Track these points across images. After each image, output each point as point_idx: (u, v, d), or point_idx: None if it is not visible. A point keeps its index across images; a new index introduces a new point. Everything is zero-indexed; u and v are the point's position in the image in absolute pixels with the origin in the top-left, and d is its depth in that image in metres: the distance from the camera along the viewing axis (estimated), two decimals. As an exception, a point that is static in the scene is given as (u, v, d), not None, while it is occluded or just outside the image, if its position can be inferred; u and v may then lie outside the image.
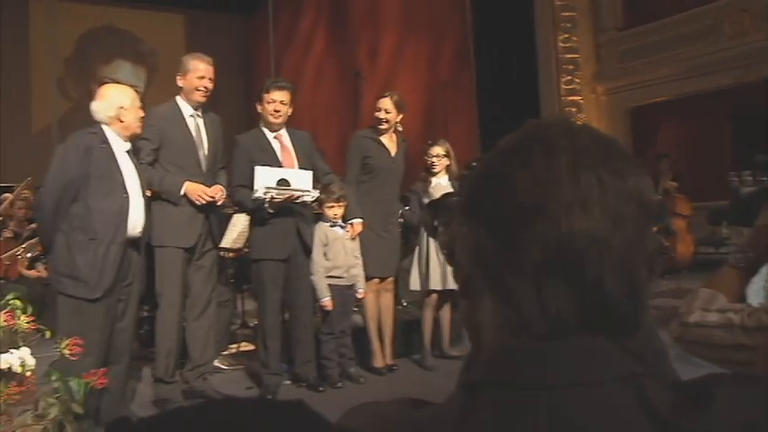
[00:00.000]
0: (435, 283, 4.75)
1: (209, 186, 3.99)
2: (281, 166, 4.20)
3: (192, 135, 4.04)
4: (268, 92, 4.28)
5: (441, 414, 0.64)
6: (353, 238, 4.49)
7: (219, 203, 4.06)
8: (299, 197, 4.11)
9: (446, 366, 4.71)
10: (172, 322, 3.91)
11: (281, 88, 4.30)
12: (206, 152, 4.06)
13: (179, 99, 4.10)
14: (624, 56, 10.33)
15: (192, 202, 3.92)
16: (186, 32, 15.08)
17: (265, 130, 4.31)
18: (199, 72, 4.05)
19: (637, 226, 0.64)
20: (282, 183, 4.09)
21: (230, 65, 14.24)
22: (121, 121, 3.51)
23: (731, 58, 8.88)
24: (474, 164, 0.83)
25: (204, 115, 4.15)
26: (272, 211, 4.11)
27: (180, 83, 4.09)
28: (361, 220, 4.50)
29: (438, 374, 4.63)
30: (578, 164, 0.63)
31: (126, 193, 3.46)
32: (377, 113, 4.70)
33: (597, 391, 0.59)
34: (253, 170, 4.09)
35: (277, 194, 4.05)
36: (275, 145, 4.29)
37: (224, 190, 4.08)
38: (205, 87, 4.05)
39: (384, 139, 4.72)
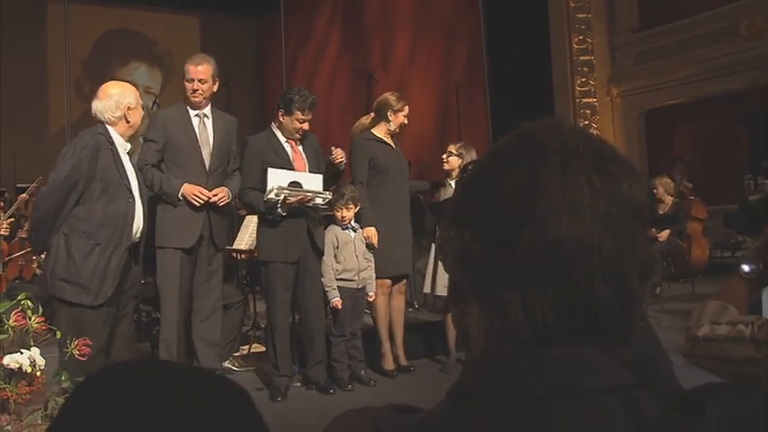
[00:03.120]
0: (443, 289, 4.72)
1: (214, 187, 4.02)
2: (292, 170, 4.21)
3: (195, 135, 4.07)
4: (303, 111, 4.21)
5: (429, 421, 0.62)
6: (368, 244, 4.49)
7: (221, 204, 4.07)
8: (311, 199, 4.12)
9: (459, 371, 4.70)
10: (171, 323, 3.92)
11: (313, 106, 4.27)
12: (211, 152, 4.09)
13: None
14: (639, 58, 10.26)
15: (192, 203, 3.95)
16: (201, 34, 15.16)
17: (278, 133, 4.30)
18: (188, 74, 4.11)
19: (629, 232, 0.61)
20: (294, 185, 4.10)
21: (244, 66, 14.31)
22: (128, 122, 3.41)
23: (747, 60, 8.80)
24: (470, 167, 0.81)
25: (215, 116, 4.18)
26: (284, 213, 4.11)
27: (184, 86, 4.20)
28: (373, 228, 4.49)
29: (451, 378, 4.60)
30: (569, 167, 0.61)
31: (132, 196, 3.36)
32: (404, 120, 4.68)
33: (587, 400, 0.58)
34: (264, 173, 4.10)
35: (290, 196, 4.05)
36: (287, 148, 4.29)
37: (228, 192, 4.09)
38: (193, 89, 4.09)
39: (386, 138, 4.72)
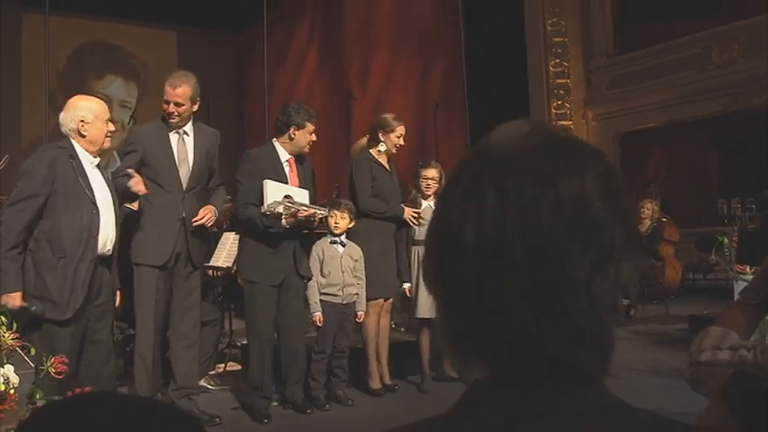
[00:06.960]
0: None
1: (191, 206, 3.86)
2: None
3: (173, 153, 3.87)
4: (313, 123, 4.23)
5: None
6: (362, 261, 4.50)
7: (209, 225, 3.91)
8: (315, 214, 4.10)
9: (441, 388, 4.66)
10: (148, 340, 3.82)
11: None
12: (190, 171, 3.90)
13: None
14: (614, 82, 10.44)
15: (167, 221, 3.80)
16: (178, 49, 15.09)
17: (280, 150, 4.22)
18: (165, 95, 3.87)
19: (567, 242, 0.57)
20: (287, 198, 4.06)
21: (222, 82, 14.25)
22: (83, 136, 3.32)
23: (719, 86, 8.99)
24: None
25: (197, 132, 3.99)
26: (287, 227, 4.02)
27: None
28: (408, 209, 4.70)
29: (431, 397, 4.58)
30: (483, 177, 0.61)
31: (96, 208, 3.27)
32: (397, 141, 4.74)
33: (569, 424, 0.57)
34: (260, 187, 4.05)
35: (296, 209, 3.99)
36: (286, 167, 4.24)
37: (214, 210, 3.91)
38: (170, 112, 3.85)
39: (382, 161, 4.77)
